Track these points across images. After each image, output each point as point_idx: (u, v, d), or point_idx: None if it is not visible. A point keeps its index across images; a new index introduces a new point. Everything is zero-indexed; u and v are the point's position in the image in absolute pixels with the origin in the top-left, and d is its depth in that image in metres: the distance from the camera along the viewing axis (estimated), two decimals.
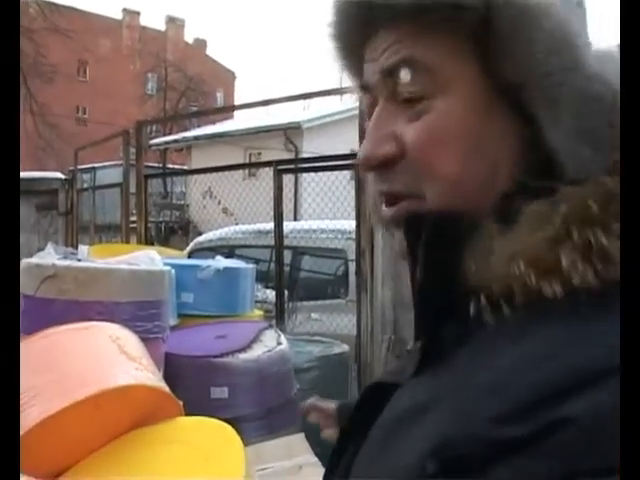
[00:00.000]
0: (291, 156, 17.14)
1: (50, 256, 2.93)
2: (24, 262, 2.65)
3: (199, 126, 27.41)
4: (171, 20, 48.53)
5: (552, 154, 0.75)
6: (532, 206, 0.72)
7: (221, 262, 3.99)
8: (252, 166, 11.57)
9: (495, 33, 0.74)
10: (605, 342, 0.61)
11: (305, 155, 14.87)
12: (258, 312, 4.20)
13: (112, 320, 2.27)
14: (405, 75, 0.78)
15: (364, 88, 0.86)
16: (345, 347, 4.50)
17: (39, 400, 1.70)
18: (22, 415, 1.67)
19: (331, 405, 1.69)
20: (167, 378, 2.48)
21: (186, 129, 28.44)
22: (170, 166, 24.28)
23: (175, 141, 24.74)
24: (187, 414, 1.99)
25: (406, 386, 0.81)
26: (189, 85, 36.82)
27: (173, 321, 3.36)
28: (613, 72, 0.71)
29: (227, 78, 50.61)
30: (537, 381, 0.62)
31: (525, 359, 0.65)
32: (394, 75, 0.79)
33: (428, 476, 0.64)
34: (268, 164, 6.18)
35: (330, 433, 1.65)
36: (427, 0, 0.74)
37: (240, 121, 23.63)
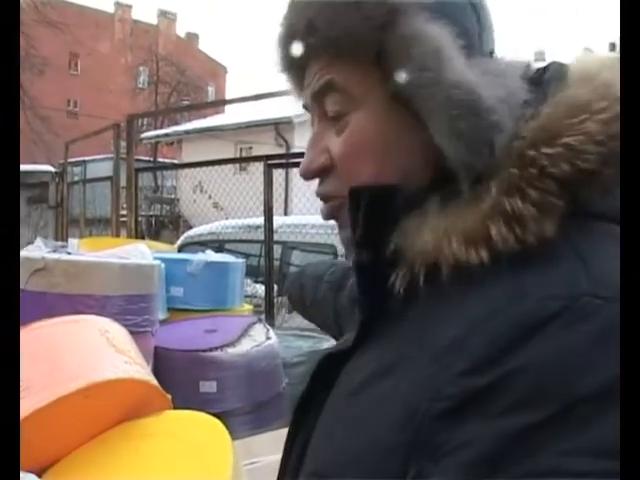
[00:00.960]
0: (282, 151, 17.10)
1: (39, 249, 2.93)
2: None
3: (190, 120, 27.31)
4: (163, 14, 48.31)
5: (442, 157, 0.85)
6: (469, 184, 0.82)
7: (211, 256, 3.99)
8: (243, 160, 11.57)
9: (387, 57, 0.86)
10: (535, 296, 0.71)
11: (296, 150, 14.86)
12: (247, 306, 4.20)
13: (102, 314, 2.26)
14: (328, 97, 0.93)
15: (305, 109, 1.01)
16: (334, 342, 4.50)
17: (28, 393, 1.70)
18: None
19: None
20: (156, 372, 2.48)
21: (177, 123, 28.36)
22: (161, 160, 24.22)
23: (166, 135, 24.71)
24: (176, 408, 1.99)
25: (353, 359, 0.92)
26: (180, 79, 36.65)
27: (163, 315, 3.37)
28: (480, 78, 0.83)
29: (219, 72, 50.48)
30: (488, 337, 0.71)
31: (472, 319, 0.74)
32: (321, 97, 0.94)
33: (408, 435, 0.73)
34: (258, 158, 6.19)
35: None
36: (333, 36, 0.87)
37: (231, 115, 23.56)
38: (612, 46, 9.65)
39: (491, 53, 0.93)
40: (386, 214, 0.87)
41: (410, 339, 0.82)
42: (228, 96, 46.23)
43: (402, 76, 0.84)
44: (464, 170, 0.82)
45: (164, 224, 18.50)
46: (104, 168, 11.91)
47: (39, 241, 3.18)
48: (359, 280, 0.92)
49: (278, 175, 6.14)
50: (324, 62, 0.92)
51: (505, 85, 0.83)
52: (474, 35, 0.90)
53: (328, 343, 4.44)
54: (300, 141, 17.35)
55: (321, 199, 0.99)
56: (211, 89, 46.70)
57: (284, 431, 1.05)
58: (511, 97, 0.82)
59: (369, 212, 0.87)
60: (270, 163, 5.75)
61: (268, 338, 3.32)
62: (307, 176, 0.97)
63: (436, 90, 0.82)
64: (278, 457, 1.04)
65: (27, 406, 1.67)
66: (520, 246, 0.76)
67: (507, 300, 0.72)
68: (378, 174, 0.89)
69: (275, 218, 5.94)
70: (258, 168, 6.20)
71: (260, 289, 6.06)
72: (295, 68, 1.00)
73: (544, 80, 0.88)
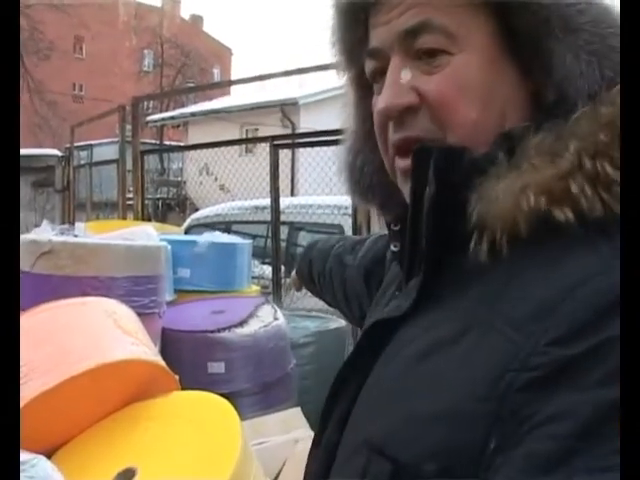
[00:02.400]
0: (288, 132, 17.07)
1: (46, 232, 2.93)
2: (20, 238, 2.65)
3: (196, 102, 27.32)
4: None
5: (563, 83, 0.83)
6: (541, 142, 0.81)
7: (218, 237, 3.98)
8: (248, 141, 11.52)
9: None
10: (610, 284, 0.68)
11: (302, 131, 14.84)
12: (255, 287, 4.20)
13: (108, 295, 2.26)
14: (423, 35, 0.87)
15: (373, 53, 0.94)
16: (342, 322, 4.50)
17: (35, 375, 1.70)
18: (20, 389, 1.67)
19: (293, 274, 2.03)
20: (164, 353, 2.48)
21: (183, 105, 28.35)
22: (167, 143, 24.21)
23: (172, 117, 24.68)
24: (184, 389, 1.99)
25: (408, 325, 0.90)
26: (186, 61, 36.63)
27: (170, 296, 3.36)
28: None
29: (224, 54, 50.38)
30: (583, 303, 0.69)
31: (563, 285, 0.72)
32: (413, 36, 0.88)
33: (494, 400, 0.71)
34: (264, 139, 6.17)
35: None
36: None
37: (237, 97, 23.56)
38: None
39: None
40: (459, 174, 0.84)
41: (484, 304, 0.79)
42: (233, 78, 46.24)
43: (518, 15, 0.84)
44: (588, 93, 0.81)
45: (171, 207, 18.51)
46: (110, 152, 11.90)
47: (45, 224, 3.17)
48: (429, 242, 0.87)
49: (284, 156, 6.13)
50: None
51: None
52: None
53: (336, 323, 4.44)
54: (306, 122, 17.32)
55: (400, 145, 0.93)
56: (216, 71, 46.64)
57: (292, 411, 1.04)
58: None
59: (441, 171, 0.84)
60: (276, 144, 5.73)
61: (276, 319, 3.31)
62: (392, 113, 0.90)
63: (554, 20, 0.82)
64: (286, 437, 1.04)
65: (34, 388, 1.67)
66: (607, 211, 0.74)
67: (603, 265, 0.71)
68: (480, 119, 0.86)
69: (282, 199, 5.93)
70: (264, 149, 6.17)
71: (267, 270, 6.06)
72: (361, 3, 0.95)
73: None
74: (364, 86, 1.03)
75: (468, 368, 0.75)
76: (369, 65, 0.96)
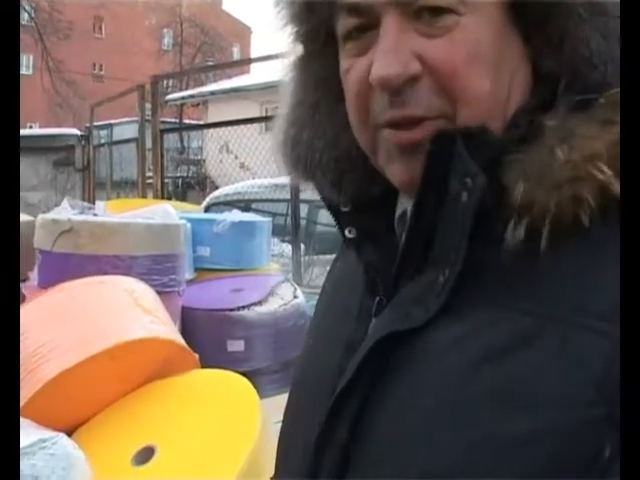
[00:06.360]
0: None
1: (66, 211, 2.93)
2: (40, 217, 2.66)
3: (215, 81, 27.27)
4: None
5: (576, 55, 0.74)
6: (591, 112, 0.71)
7: (237, 215, 3.98)
8: (268, 120, 11.51)
9: None
10: None
11: None
12: (274, 266, 4.19)
13: (128, 274, 2.27)
14: None
15: (356, 9, 0.78)
16: None
17: (56, 353, 1.71)
18: (40, 368, 1.68)
19: None
20: (184, 331, 2.49)
21: (202, 84, 28.32)
22: (186, 121, 24.22)
23: (191, 96, 24.63)
24: (203, 367, 1.99)
25: (433, 332, 0.74)
26: (205, 40, 36.61)
27: (190, 275, 3.37)
28: None
29: (243, 33, 50.23)
30: None
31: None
32: None
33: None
34: None
35: None
36: None
37: (256, 76, 23.48)
38: None
39: None
40: (487, 158, 0.73)
41: (549, 299, 0.68)
42: (253, 56, 46.14)
43: None
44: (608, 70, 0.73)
45: (191, 185, 18.48)
46: (130, 131, 11.89)
47: (65, 203, 3.18)
48: (464, 236, 0.72)
49: None
50: None
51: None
52: None
53: None
54: None
55: (397, 122, 0.78)
56: (236, 50, 46.53)
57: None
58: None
59: (480, 157, 0.72)
60: None
61: (295, 297, 3.31)
62: (392, 84, 0.75)
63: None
64: None
65: (54, 367, 1.68)
66: None
67: None
68: (494, 91, 0.75)
69: None
70: None
71: (287, 248, 6.05)
72: None
73: None
74: (316, 45, 0.90)
75: (558, 372, 0.65)
76: (345, 22, 0.80)
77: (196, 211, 5.10)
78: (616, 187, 0.66)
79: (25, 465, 1.29)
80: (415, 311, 0.75)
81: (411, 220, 0.78)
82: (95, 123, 10.50)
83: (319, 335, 1.01)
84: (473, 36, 0.74)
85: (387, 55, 0.74)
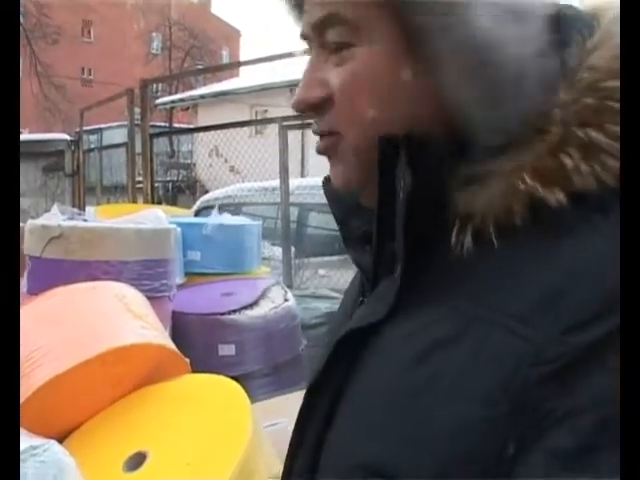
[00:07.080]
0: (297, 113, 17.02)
1: (56, 217, 2.93)
2: (30, 223, 2.65)
3: (205, 85, 27.29)
4: None
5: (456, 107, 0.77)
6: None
7: (227, 218, 3.99)
8: (258, 123, 11.50)
9: None
10: (616, 262, 0.65)
11: None
12: (265, 269, 4.20)
13: (119, 279, 2.27)
14: (331, 28, 0.82)
15: (303, 37, 0.89)
16: None
17: (47, 359, 1.71)
18: (31, 374, 1.68)
19: None
20: (174, 336, 2.49)
21: (192, 88, 28.34)
22: (176, 125, 24.20)
23: (181, 100, 24.65)
24: (194, 372, 2.00)
25: (388, 329, 0.80)
26: (194, 44, 36.57)
27: (180, 279, 3.37)
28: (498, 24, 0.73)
29: (232, 36, 50.21)
30: (594, 287, 0.65)
31: (568, 270, 0.68)
32: (323, 28, 0.83)
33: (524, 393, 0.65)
34: (274, 120, 6.15)
35: None
36: None
37: (246, 79, 23.50)
38: None
39: None
40: (432, 161, 0.77)
41: (479, 299, 0.72)
42: (242, 60, 46.15)
43: (417, 13, 0.75)
44: (485, 132, 0.75)
45: (181, 189, 18.49)
46: (120, 135, 11.90)
47: (55, 209, 3.17)
48: (406, 236, 0.78)
49: (294, 137, 6.11)
50: None
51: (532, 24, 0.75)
52: None
53: None
54: None
55: (316, 134, 0.88)
56: (225, 53, 46.53)
57: (303, 393, 0.98)
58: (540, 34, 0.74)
59: (417, 161, 0.77)
60: (286, 125, 5.72)
61: (286, 300, 3.32)
62: (300, 107, 0.86)
63: (454, 31, 0.74)
64: None
65: (46, 373, 1.68)
66: (600, 185, 0.70)
67: (604, 243, 0.67)
68: (378, 118, 0.80)
69: (291, 180, 5.92)
70: (274, 130, 6.15)
71: (277, 251, 6.06)
72: None
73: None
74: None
75: (475, 370, 0.68)
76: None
77: (186, 215, 5.11)
78: (541, 193, 0.71)
79: None
80: (378, 308, 0.81)
81: (376, 220, 0.83)
82: (85, 128, 10.46)
83: (325, 338, 1.08)
84: (364, 66, 0.80)
85: (302, 80, 0.86)
